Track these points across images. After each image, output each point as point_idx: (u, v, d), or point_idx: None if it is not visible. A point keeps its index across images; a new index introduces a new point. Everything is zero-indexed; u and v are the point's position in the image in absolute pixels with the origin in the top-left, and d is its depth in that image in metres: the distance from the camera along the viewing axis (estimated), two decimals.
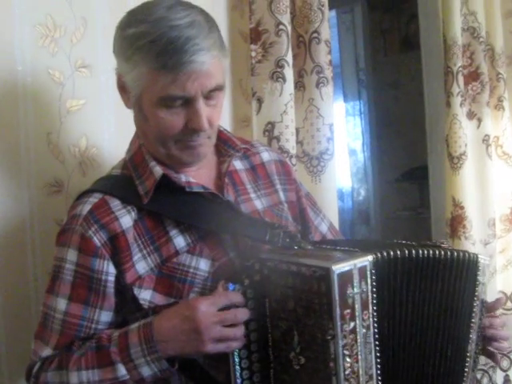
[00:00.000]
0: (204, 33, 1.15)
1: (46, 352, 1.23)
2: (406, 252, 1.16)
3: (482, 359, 2.28)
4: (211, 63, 1.16)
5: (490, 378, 2.38)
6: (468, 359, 1.29)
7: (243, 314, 1.16)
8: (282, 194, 1.44)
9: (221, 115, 1.26)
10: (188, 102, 1.18)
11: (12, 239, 1.52)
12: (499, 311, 2.40)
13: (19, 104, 1.52)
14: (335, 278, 1.03)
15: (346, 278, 1.05)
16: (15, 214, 1.52)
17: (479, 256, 1.28)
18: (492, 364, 2.37)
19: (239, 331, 1.15)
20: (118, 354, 1.16)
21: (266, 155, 1.46)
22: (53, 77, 1.56)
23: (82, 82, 1.60)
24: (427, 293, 1.19)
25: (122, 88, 1.25)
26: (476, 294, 1.28)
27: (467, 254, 1.25)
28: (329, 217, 1.62)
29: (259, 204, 1.38)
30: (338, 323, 1.04)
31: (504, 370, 2.49)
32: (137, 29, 1.16)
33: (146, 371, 1.15)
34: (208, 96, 1.19)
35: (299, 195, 1.49)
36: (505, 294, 2.49)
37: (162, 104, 1.18)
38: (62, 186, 1.57)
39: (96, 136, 1.63)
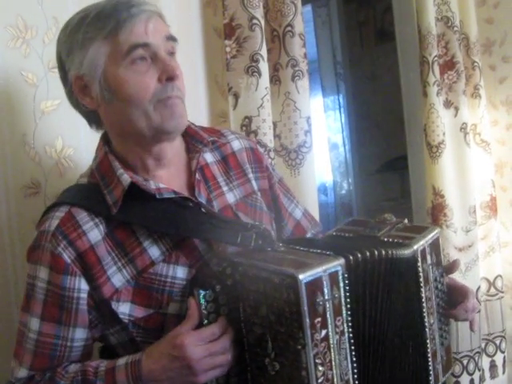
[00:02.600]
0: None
1: (22, 373, 1.22)
2: (375, 253, 1.16)
3: (467, 345, 2.33)
4: (157, 15, 1.23)
5: (477, 364, 2.40)
6: (429, 346, 1.27)
7: (226, 342, 1.15)
8: (254, 183, 1.43)
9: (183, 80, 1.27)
10: (153, 57, 1.19)
11: None
12: (483, 297, 2.44)
13: None
14: (303, 287, 1.01)
15: (314, 286, 1.04)
16: None
17: (417, 244, 1.25)
18: (478, 350, 2.40)
19: (228, 356, 1.15)
20: None
21: (236, 144, 1.45)
22: (26, 78, 1.55)
23: (55, 83, 1.55)
24: (385, 294, 1.19)
25: (82, 90, 1.24)
26: (420, 279, 1.25)
27: (400, 252, 1.22)
28: (309, 209, 1.63)
29: (232, 197, 1.37)
30: (308, 333, 1.03)
31: (490, 356, 2.51)
32: (79, 15, 1.22)
33: None
34: (168, 50, 1.22)
35: (272, 182, 1.48)
36: (488, 280, 2.51)
37: (128, 63, 1.18)
38: (39, 187, 1.57)
39: (72, 136, 1.61)
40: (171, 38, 1.23)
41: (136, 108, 1.20)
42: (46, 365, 1.22)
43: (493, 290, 2.53)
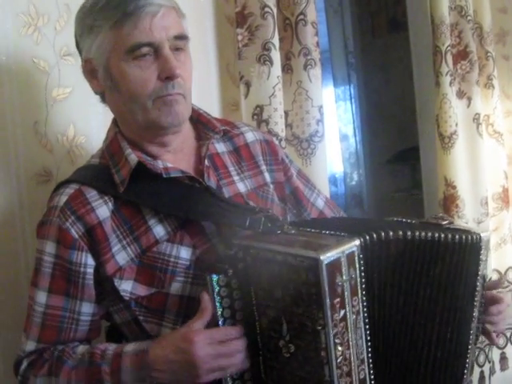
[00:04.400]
0: None
1: (29, 346, 1.24)
2: (401, 233, 1.14)
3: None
4: (168, 9, 1.20)
5: (487, 356, 2.39)
6: (471, 337, 1.26)
7: (239, 346, 1.14)
8: (267, 175, 1.42)
9: (191, 77, 1.27)
10: (156, 53, 1.19)
11: (2, 230, 1.52)
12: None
13: (5, 95, 1.51)
14: (324, 268, 1.01)
15: (334, 267, 1.03)
16: (5, 205, 1.52)
17: (482, 235, 1.25)
18: (488, 342, 2.39)
19: (236, 359, 1.14)
20: (108, 374, 1.15)
21: (250, 135, 1.44)
22: (38, 66, 1.55)
23: (67, 70, 1.58)
24: (423, 275, 1.17)
25: (91, 72, 1.26)
26: (479, 272, 1.25)
27: (470, 237, 1.21)
28: None
29: (243, 187, 1.36)
30: (329, 313, 1.03)
31: (500, 348, 2.50)
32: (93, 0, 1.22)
33: None
34: (175, 47, 1.21)
35: (289, 175, 1.48)
36: (499, 272, 2.50)
37: (130, 58, 1.18)
38: (50, 175, 1.57)
39: (84, 124, 1.62)
40: (180, 38, 1.22)
41: (135, 102, 1.22)
42: (53, 337, 1.23)
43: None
